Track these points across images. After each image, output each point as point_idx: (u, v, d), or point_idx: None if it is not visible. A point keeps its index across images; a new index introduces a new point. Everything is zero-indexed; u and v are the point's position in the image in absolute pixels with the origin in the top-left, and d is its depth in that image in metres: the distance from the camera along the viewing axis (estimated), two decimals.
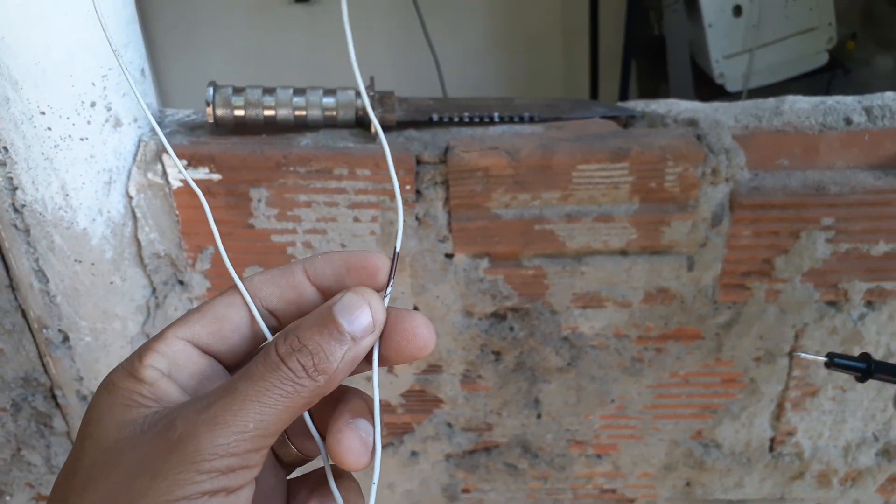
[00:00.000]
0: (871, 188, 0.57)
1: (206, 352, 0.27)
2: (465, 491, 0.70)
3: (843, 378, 0.64)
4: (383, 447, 0.68)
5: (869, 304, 0.62)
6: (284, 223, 0.58)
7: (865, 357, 0.43)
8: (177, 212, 0.58)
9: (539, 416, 0.66)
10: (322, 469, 0.29)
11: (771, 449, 0.68)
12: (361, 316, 0.25)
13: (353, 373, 0.26)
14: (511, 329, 0.62)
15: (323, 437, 0.28)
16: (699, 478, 0.68)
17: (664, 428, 0.66)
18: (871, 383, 0.65)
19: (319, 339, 0.24)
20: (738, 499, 0.70)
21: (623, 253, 0.60)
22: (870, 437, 0.68)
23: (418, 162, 0.57)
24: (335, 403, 0.27)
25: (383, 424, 0.67)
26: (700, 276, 0.60)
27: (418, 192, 0.57)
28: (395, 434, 0.67)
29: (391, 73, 1.45)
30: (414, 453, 0.68)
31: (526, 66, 1.61)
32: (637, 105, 0.62)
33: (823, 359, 0.43)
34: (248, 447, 0.23)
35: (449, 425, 0.67)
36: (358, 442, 0.25)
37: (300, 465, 0.32)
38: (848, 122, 0.59)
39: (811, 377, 0.64)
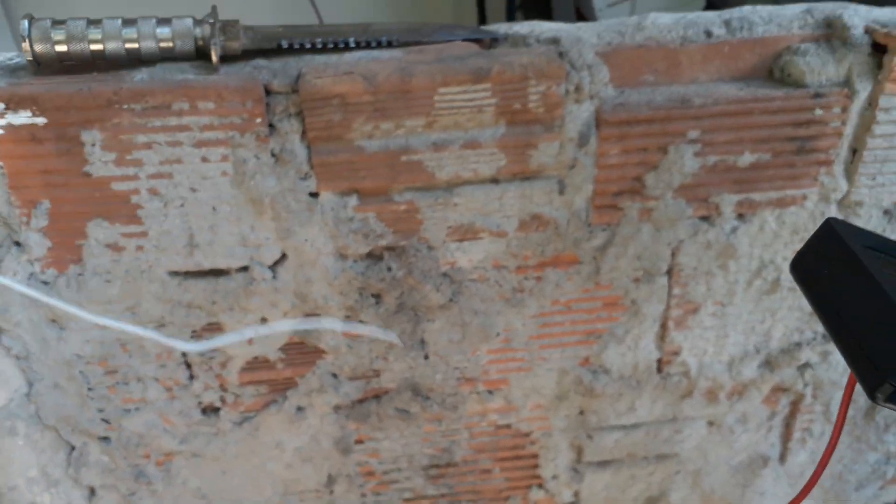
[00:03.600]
0: (734, 98, 0.57)
1: None
2: (359, 442, 0.68)
3: (722, 293, 0.65)
4: (266, 406, 0.65)
5: (740, 216, 0.62)
6: (124, 168, 0.53)
7: None
8: (0, 163, 0.52)
9: (426, 357, 0.64)
10: None
11: (659, 370, 0.68)
12: None
13: None
14: (389, 269, 0.60)
15: None
16: (591, 405, 0.68)
17: (551, 357, 0.66)
18: (750, 295, 0.66)
19: None
20: (632, 423, 0.71)
21: (494, 181, 0.58)
22: (752, 349, 0.69)
23: (268, 92, 0.53)
24: None
25: (265, 381, 0.63)
26: (572, 200, 0.59)
27: (271, 126, 0.54)
28: (277, 391, 0.64)
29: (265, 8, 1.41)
30: (300, 408, 0.65)
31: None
32: (500, 27, 0.60)
33: None
34: None
35: (334, 375, 0.64)
36: None
37: None
38: (708, 34, 0.58)
39: (690, 294, 0.65)
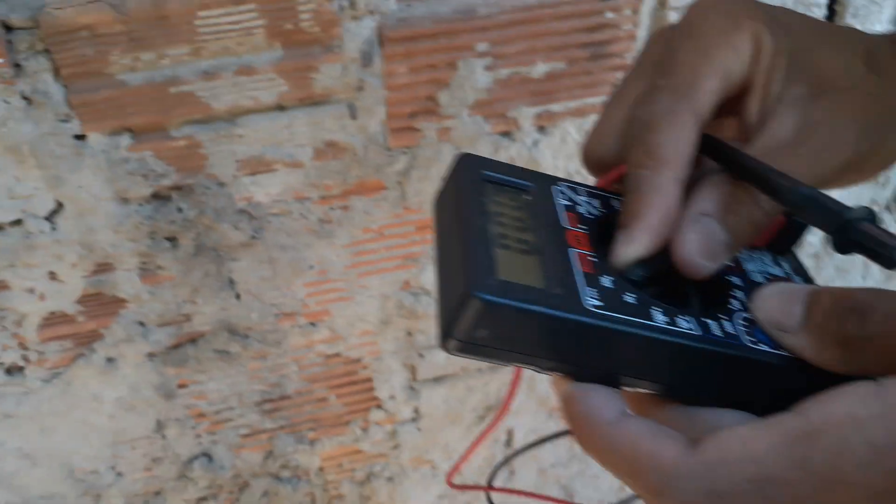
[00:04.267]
0: (521, 6, 0.56)
1: None
2: (182, 386, 0.66)
3: None
4: (74, 360, 0.62)
5: (541, 129, 0.62)
6: None
7: None
8: None
9: (238, 297, 0.62)
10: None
11: None
12: None
13: None
14: (179, 210, 0.57)
15: None
16: (417, 326, 0.69)
17: (371, 284, 0.65)
18: None
19: None
20: None
21: (280, 108, 0.55)
22: None
23: (7, 28, 0.47)
24: None
25: (67, 336, 0.60)
26: (366, 124, 0.57)
27: (17, 66, 0.48)
28: (83, 344, 0.61)
29: None
30: (110, 359, 0.62)
31: None
32: None
33: None
34: None
35: (141, 324, 0.62)
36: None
37: None
38: None
39: None
